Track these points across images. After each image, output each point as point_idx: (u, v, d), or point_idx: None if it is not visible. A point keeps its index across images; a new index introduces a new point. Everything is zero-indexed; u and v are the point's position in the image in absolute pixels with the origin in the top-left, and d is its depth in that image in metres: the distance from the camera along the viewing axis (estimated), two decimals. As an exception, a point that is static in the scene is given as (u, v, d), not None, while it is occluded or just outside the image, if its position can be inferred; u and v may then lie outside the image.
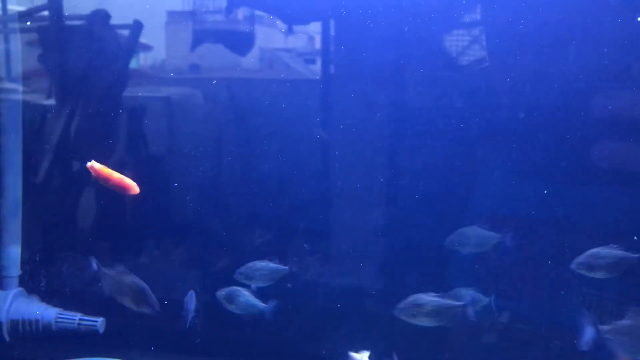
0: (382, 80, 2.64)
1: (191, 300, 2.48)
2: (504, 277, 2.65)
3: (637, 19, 2.28)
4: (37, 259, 2.95)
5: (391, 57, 2.61)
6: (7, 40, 2.78)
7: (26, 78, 2.83)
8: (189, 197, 2.86)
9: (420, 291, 2.39)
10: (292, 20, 2.68)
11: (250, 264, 2.49)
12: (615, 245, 2.20)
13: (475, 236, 2.46)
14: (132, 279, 2.32)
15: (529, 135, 2.50)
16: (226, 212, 2.90)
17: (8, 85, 2.76)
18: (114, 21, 2.83)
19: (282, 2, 2.69)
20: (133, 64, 2.88)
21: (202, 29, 2.80)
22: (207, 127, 2.87)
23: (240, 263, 2.51)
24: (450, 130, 2.59)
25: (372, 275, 2.81)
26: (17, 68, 2.80)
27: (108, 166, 2.14)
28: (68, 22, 2.86)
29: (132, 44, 2.85)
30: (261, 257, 2.51)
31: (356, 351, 2.63)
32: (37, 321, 2.68)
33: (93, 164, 2.09)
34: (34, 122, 2.92)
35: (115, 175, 2.11)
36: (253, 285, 2.48)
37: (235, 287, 2.47)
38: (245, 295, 2.45)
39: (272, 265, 2.48)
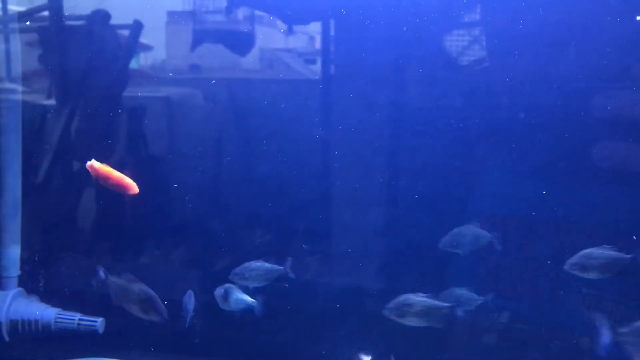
0: (382, 80, 2.65)
1: (190, 300, 2.48)
2: (503, 277, 2.65)
3: (636, 18, 2.28)
4: (37, 259, 2.95)
5: (391, 57, 2.61)
6: (7, 40, 2.78)
7: (26, 78, 2.83)
8: (188, 197, 2.86)
9: (420, 291, 2.40)
10: (292, 20, 2.68)
11: (246, 264, 2.49)
12: (608, 246, 2.21)
13: (470, 235, 2.47)
14: (140, 286, 2.31)
15: (528, 136, 2.50)
16: (226, 212, 2.90)
17: (8, 85, 2.76)
18: (114, 21, 2.84)
19: (282, 2, 2.69)
20: (133, 64, 2.89)
21: (202, 29, 2.80)
22: (207, 127, 2.87)
23: (239, 263, 2.51)
24: (450, 131, 2.59)
25: (371, 275, 2.81)
26: (17, 68, 2.79)
27: (108, 166, 2.14)
28: (68, 22, 2.86)
29: (132, 44, 2.85)
30: (260, 257, 2.51)
31: (356, 352, 2.64)
32: (36, 321, 2.68)
33: (93, 163, 2.09)
34: (34, 122, 2.92)
35: (115, 174, 2.11)
36: (251, 286, 2.49)
37: (227, 285, 2.47)
38: (235, 292, 2.46)
39: (267, 265, 2.49)
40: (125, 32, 2.86)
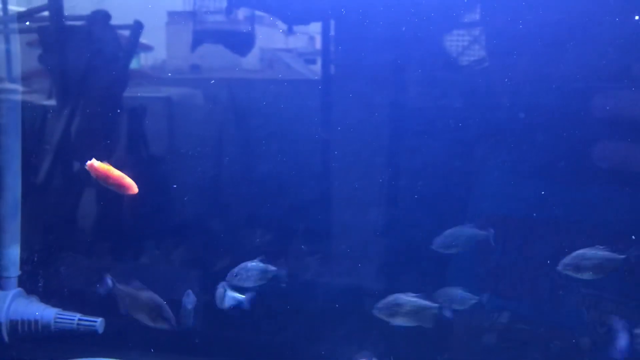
0: (382, 80, 2.65)
1: (188, 300, 2.48)
2: (503, 277, 2.65)
3: (635, 18, 2.28)
4: (36, 259, 2.95)
5: (391, 57, 2.61)
6: (6, 40, 2.78)
7: (26, 78, 2.83)
8: (189, 197, 2.86)
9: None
10: (292, 20, 2.68)
11: (242, 265, 2.49)
12: (601, 247, 2.22)
13: (463, 236, 2.48)
14: (148, 294, 2.30)
15: (528, 136, 2.51)
16: (226, 212, 2.90)
17: (8, 85, 2.76)
18: (114, 21, 2.84)
19: (282, 2, 2.69)
20: (133, 64, 2.89)
21: (202, 30, 2.80)
22: (208, 127, 2.87)
23: (239, 263, 2.52)
24: (450, 131, 2.59)
25: (371, 275, 2.81)
26: (17, 68, 2.79)
27: (108, 165, 2.13)
28: (68, 23, 2.86)
29: (133, 44, 2.85)
30: (256, 258, 2.52)
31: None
32: (36, 321, 2.68)
33: (93, 163, 2.09)
34: (34, 122, 2.92)
35: (115, 173, 2.10)
36: (247, 286, 2.49)
37: (222, 283, 2.48)
38: (227, 290, 2.46)
39: (261, 265, 2.49)
40: (126, 33, 2.86)
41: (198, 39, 2.80)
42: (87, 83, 2.86)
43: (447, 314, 2.35)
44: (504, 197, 2.61)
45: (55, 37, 2.84)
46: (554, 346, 2.57)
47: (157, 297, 2.28)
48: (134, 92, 2.89)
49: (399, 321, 2.35)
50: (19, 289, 2.78)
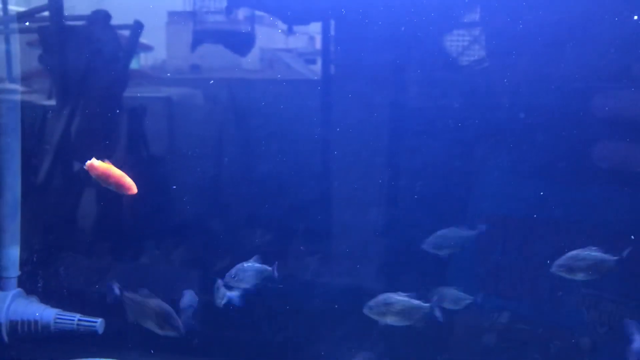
0: (382, 80, 2.65)
1: (187, 300, 2.48)
2: (503, 277, 2.65)
3: (634, 18, 2.29)
4: (36, 259, 2.94)
5: (391, 57, 2.62)
6: (6, 40, 2.78)
7: (26, 78, 2.83)
8: (189, 197, 2.86)
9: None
10: (292, 20, 2.68)
11: (238, 265, 2.49)
12: (594, 247, 2.22)
13: (453, 238, 2.48)
14: (156, 302, 2.29)
15: (528, 136, 2.51)
16: (227, 212, 2.90)
17: (7, 85, 2.76)
18: (114, 21, 2.84)
19: (283, 2, 2.69)
20: (134, 65, 2.88)
21: (202, 30, 2.80)
22: (208, 127, 2.87)
23: (238, 263, 2.52)
24: (450, 131, 2.59)
25: (371, 275, 2.81)
26: (17, 68, 2.79)
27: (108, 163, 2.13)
28: (68, 23, 2.86)
29: (133, 44, 2.85)
30: (251, 258, 2.52)
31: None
32: (36, 322, 2.68)
33: (93, 162, 2.08)
34: (34, 122, 2.92)
35: (115, 173, 2.09)
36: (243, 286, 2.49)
37: (218, 281, 2.48)
38: (220, 287, 2.46)
39: (257, 265, 2.49)
40: (126, 33, 2.86)
41: (198, 39, 2.80)
42: (87, 83, 2.86)
43: (437, 314, 2.34)
44: (504, 197, 2.61)
45: (55, 37, 2.84)
46: (554, 346, 2.57)
47: (165, 305, 2.27)
48: (134, 92, 2.89)
49: (389, 320, 2.35)
50: (19, 289, 2.77)
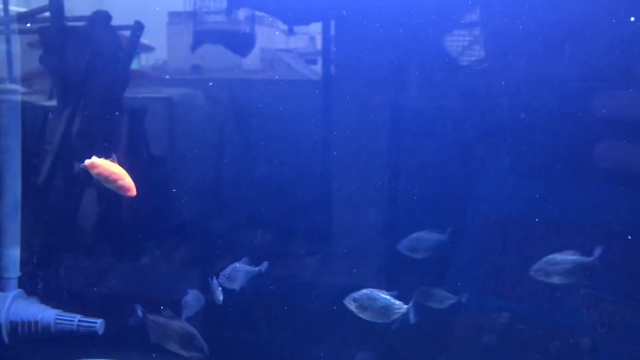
0: (382, 81, 2.65)
1: (194, 300, 2.48)
2: (503, 277, 2.66)
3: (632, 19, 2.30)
4: (37, 260, 2.94)
5: (392, 58, 2.62)
6: (7, 41, 2.78)
7: (26, 79, 2.83)
8: (190, 198, 2.86)
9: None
10: (293, 21, 2.69)
11: (231, 265, 2.49)
12: (571, 251, 2.23)
13: (428, 241, 2.49)
14: (179, 324, 2.27)
15: (527, 136, 2.52)
16: (227, 212, 2.90)
17: (8, 86, 2.76)
18: (114, 22, 2.84)
19: (283, 3, 2.70)
20: (134, 65, 2.88)
21: (203, 30, 2.80)
22: (209, 128, 2.87)
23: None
24: (450, 132, 2.60)
25: (370, 275, 2.82)
26: (17, 69, 2.79)
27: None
28: (69, 23, 2.86)
29: (133, 44, 2.85)
30: (244, 258, 2.52)
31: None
32: (36, 323, 2.67)
33: (94, 160, 2.06)
34: (34, 123, 2.92)
35: (116, 170, 2.07)
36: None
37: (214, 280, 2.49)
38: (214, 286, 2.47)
39: (246, 267, 2.49)
40: (126, 33, 2.86)
41: (199, 40, 2.80)
42: (88, 84, 2.86)
43: (412, 317, 2.33)
44: (504, 198, 2.61)
45: (55, 37, 2.84)
46: (554, 346, 2.57)
47: (188, 326, 2.25)
48: (134, 93, 2.89)
49: (366, 316, 2.34)
50: (19, 290, 2.77)
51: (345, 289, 2.79)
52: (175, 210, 2.92)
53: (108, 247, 3.03)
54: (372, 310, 2.31)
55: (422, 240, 2.49)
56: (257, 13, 2.75)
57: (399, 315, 2.30)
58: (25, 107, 2.79)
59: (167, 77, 2.91)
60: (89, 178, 2.15)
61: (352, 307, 2.33)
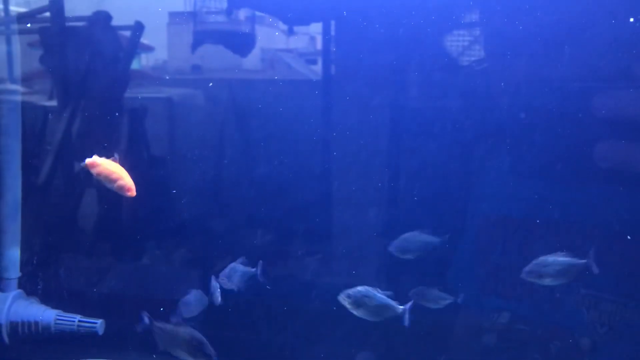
0: (382, 81, 2.66)
1: (197, 299, 2.47)
2: (503, 277, 2.66)
3: (630, 20, 2.30)
4: (37, 260, 2.94)
5: (391, 58, 2.62)
6: (7, 41, 2.78)
7: (27, 79, 2.83)
8: (191, 198, 2.86)
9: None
10: (293, 21, 2.69)
11: (230, 265, 2.49)
12: (563, 252, 2.23)
13: (417, 242, 2.49)
14: (188, 331, 2.23)
15: (527, 136, 2.52)
16: (227, 212, 2.90)
17: (8, 86, 2.76)
18: (115, 22, 2.84)
19: (283, 3, 2.70)
20: (134, 65, 2.89)
21: (203, 30, 2.80)
22: (209, 128, 2.87)
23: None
24: (450, 132, 2.60)
25: (370, 276, 2.82)
26: (17, 69, 2.79)
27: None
28: (69, 24, 2.86)
29: (134, 45, 2.85)
30: (241, 260, 2.52)
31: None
32: (36, 323, 2.67)
33: (95, 159, 2.06)
34: (35, 123, 2.92)
35: (117, 170, 2.07)
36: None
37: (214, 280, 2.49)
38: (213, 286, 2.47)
39: (242, 267, 2.49)
40: (127, 33, 2.86)
41: (199, 40, 2.80)
42: (88, 84, 2.86)
43: (406, 320, 2.33)
44: (504, 198, 2.61)
45: (56, 38, 2.84)
46: (554, 346, 2.57)
47: (197, 333, 2.23)
48: (135, 93, 2.89)
49: (359, 313, 2.34)
50: (19, 290, 2.77)
51: (345, 289, 2.80)
52: (175, 210, 2.92)
53: (108, 247, 3.03)
54: (366, 307, 2.32)
55: (411, 241, 2.49)
56: (257, 13, 2.75)
57: (393, 314, 2.30)
58: (26, 107, 2.79)
59: (167, 77, 2.91)
60: (89, 178, 2.15)
61: (346, 303, 2.33)
